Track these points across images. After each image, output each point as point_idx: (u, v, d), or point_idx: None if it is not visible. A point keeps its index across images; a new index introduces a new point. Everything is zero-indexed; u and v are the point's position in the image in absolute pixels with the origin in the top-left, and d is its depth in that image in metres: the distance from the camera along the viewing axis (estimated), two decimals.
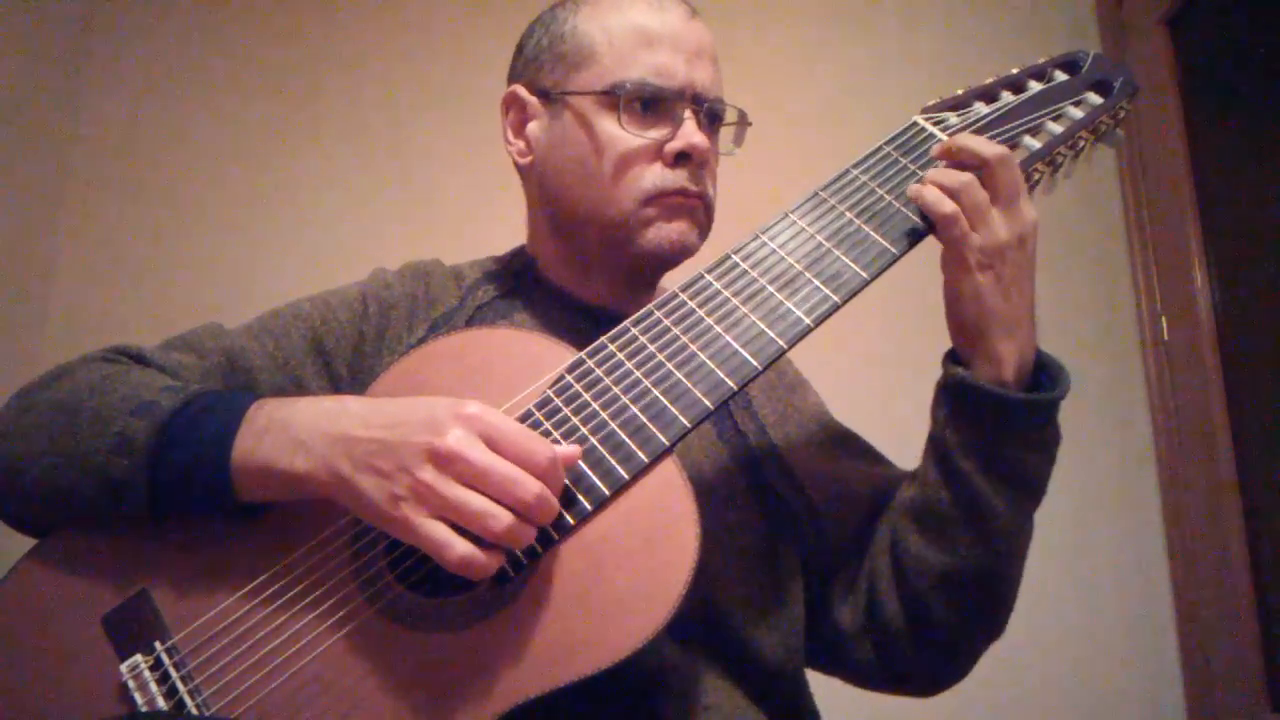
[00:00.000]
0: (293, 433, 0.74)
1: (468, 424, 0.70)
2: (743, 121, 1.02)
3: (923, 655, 0.91)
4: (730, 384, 0.78)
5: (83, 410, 0.79)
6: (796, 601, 0.93)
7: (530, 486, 0.69)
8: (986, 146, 0.83)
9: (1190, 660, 1.90)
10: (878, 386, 1.89)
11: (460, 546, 0.67)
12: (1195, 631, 1.90)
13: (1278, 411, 1.83)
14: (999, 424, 0.83)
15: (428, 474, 0.68)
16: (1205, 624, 1.89)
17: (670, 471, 0.75)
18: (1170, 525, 1.98)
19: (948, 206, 0.81)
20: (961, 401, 0.84)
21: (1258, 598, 1.81)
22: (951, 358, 0.87)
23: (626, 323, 0.83)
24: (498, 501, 0.69)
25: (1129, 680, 1.92)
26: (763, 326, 0.80)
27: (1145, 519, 2.00)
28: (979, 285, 0.82)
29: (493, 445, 0.70)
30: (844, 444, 1.03)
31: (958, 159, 0.84)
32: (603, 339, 0.82)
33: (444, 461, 0.69)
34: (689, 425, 0.76)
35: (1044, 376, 0.86)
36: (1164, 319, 2.07)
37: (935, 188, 0.83)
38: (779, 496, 0.95)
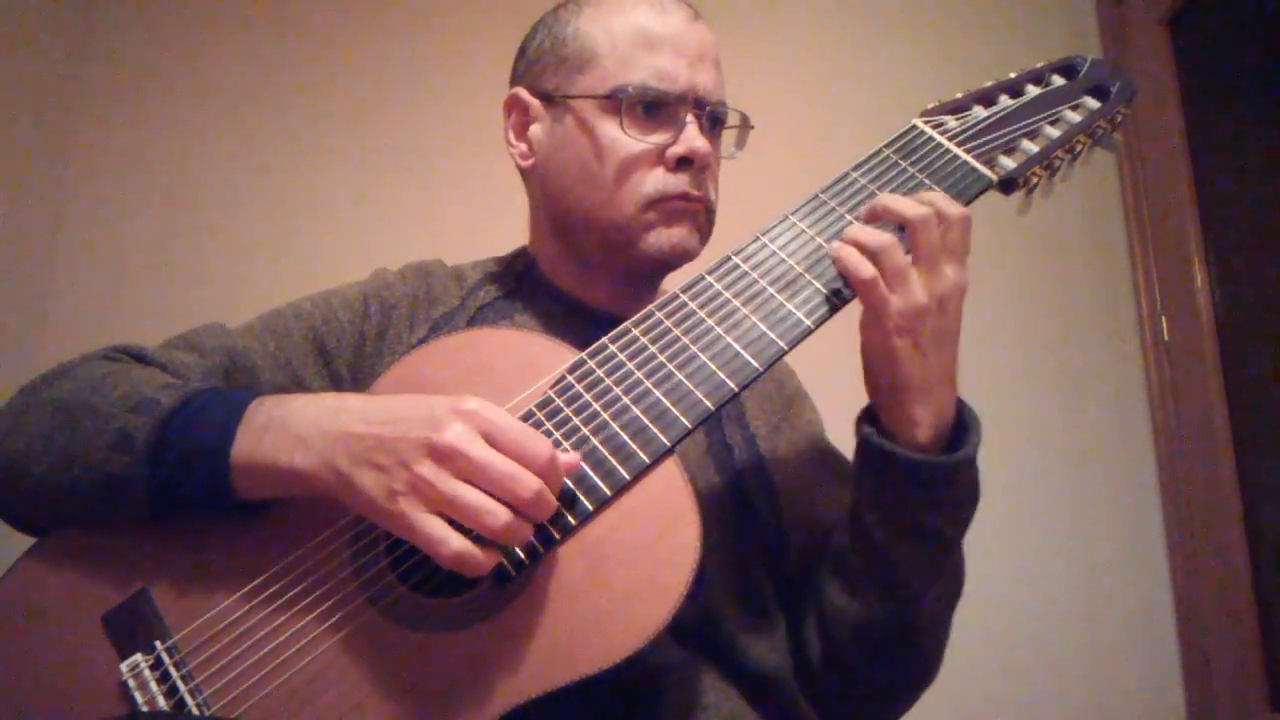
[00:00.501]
0: (292, 430, 0.74)
1: (467, 420, 0.70)
2: (745, 125, 1.02)
3: (844, 699, 0.91)
4: (731, 385, 0.78)
5: (83, 408, 0.79)
6: (778, 612, 0.94)
7: (529, 483, 0.68)
8: (910, 208, 0.80)
9: (1190, 660, 1.90)
10: None
11: (455, 542, 0.67)
12: (1195, 631, 1.90)
13: (1278, 411, 1.83)
14: (905, 483, 0.81)
15: (426, 469, 0.68)
16: (1205, 624, 1.89)
17: (671, 472, 0.75)
18: (1170, 525, 1.98)
19: (866, 271, 0.78)
20: (867, 459, 0.83)
21: (1258, 598, 1.81)
22: (867, 413, 0.85)
23: (627, 323, 0.83)
24: (496, 498, 0.68)
25: (1129, 680, 1.92)
26: (763, 328, 0.80)
27: (1145, 519, 2.00)
28: (895, 348, 0.79)
29: (492, 442, 0.69)
30: (829, 467, 1.01)
31: (882, 218, 0.82)
32: (604, 340, 0.82)
33: (442, 457, 0.68)
34: (690, 426, 0.76)
35: (962, 435, 0.84)
36: (1164, 319, 2.07)
37: (854, 249, 0.80)
38: (756, 514, 0.94)
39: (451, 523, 0.68)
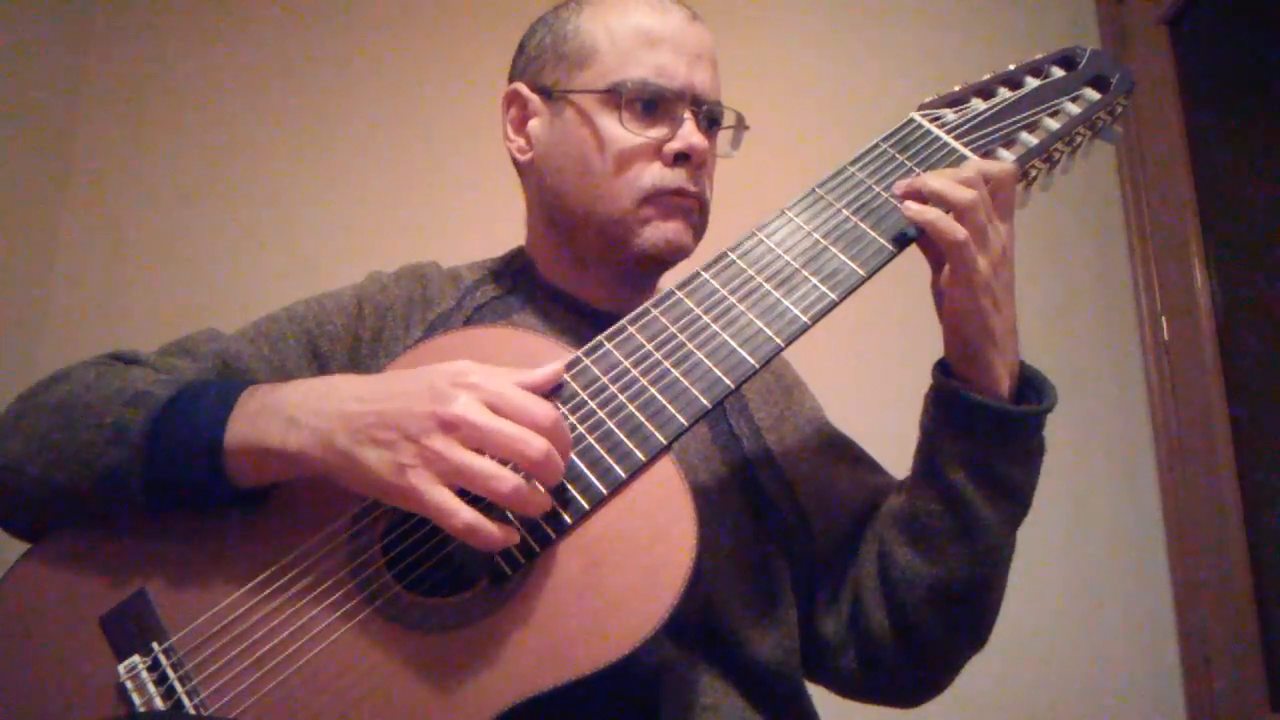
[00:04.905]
0: (284, 412, 0.74)
1: (471, 390, 0.70)
2: (740, 125, 1.02)
3: (907, 666, 0.90)
4: (728, 382, 0.78)
5: (78, 407, 0.79)
6: (790, 605, 0.93)
7: (537, 444, 0.69)
8: (1000, 168, 0.83)
9: (1190, 660, 1.90)
10: (876, 385, 1.89)
11: (465, 514, 0.68)
12: (1195, 631, 1.90)
13: (1278, 411, 1.83)
14: (993, 436, 0.83)
15: (437, 442, 0.69)
16: (1205, 624, 1.89)
17: (668, 470, 0.75)
18: (1170, 525, 1.98)
19: (961, 234, 0.79)
20: (955, 413, 0.84)
21: (1258, 598, 1.81)
22: (941, 368, 0.87)
23: (624, 321, 0.82)
24: (505, 464, 0.69)
25: (1129, 680, 1.91)
26: (760, 324, 0.80)
27: (1145, 519, 2.00)
28: (983, 307, 0.81)
29: (496, 410, 0.70)
30: (838, 450, 1.02)
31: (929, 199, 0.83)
32: (600, 337, 0.82)
33: (451, 428, 0.69)
34: (686, 424, 0.76)
35: (1027, 388, 0.87)
36: (1164, 319, 2.07)
37: (939, 211, 0.80)
38: (770, 501, 0.95)
39: (462, 495, 0.69)
